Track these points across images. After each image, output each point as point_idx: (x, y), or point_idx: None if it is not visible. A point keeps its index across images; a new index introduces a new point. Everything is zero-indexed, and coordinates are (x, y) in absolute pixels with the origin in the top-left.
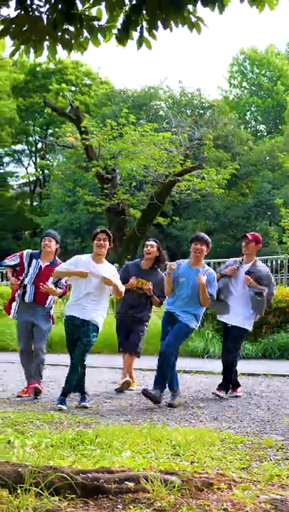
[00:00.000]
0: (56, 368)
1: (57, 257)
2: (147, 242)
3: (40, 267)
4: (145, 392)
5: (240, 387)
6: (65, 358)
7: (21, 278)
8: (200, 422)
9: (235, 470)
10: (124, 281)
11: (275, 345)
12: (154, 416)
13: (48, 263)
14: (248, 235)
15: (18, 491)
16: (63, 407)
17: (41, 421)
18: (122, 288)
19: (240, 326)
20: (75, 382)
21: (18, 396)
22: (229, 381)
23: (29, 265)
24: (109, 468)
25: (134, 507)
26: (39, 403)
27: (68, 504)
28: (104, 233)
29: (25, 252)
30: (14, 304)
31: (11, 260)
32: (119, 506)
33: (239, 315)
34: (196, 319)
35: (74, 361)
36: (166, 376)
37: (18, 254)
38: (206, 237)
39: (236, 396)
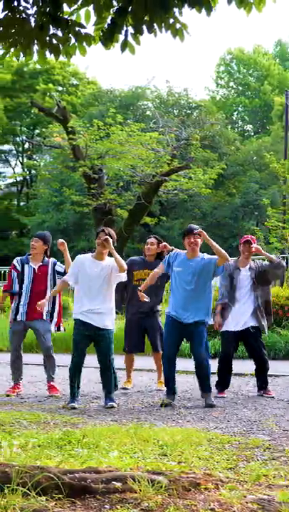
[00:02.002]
0: (43, 368)
1: (46, 257)
2: (148, 240)
3: (34, 269)
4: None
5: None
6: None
7: (17, 288)
8: (187, 422)
9: (222, 470)
10: (128, 273)
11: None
12: (141, 416)
13: (40, 263)
14: (250, 238)
15: (5, 491)
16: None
17: (28, 421)
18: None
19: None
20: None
21: (7, 395)
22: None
23: (23, 272)
24: (96, 468)
25: (121, 507)
26: (26, 403)
27: (55, 504)
28: (104, 232)
29: (14, 261)
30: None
31: (14, 284)
32: (106, 506)
33: (246, 316)
34: (208, 313)
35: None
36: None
37: (12, 269)
38: (197, 227)
39: (222, 397)
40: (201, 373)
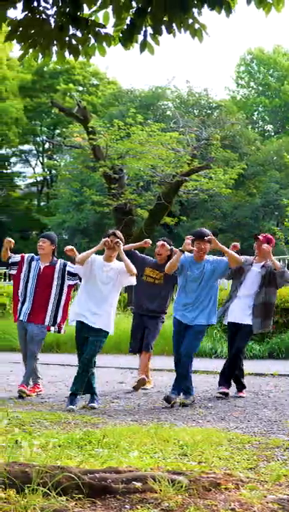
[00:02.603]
0: (64, 367)
1: (55, 258)
2: (158, 243)
3: (40, 268)
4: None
5: (246, 388)
6: (73, 358)
7: (21, 281)
8: (207, 422)
9: (242, 470)
10: (140, 267)
11: (282, 345)
12: (161, 416)
13: (48, 263)
14: (259, 236)
15: (26, 491)
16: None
17: (48, 421)
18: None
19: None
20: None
21: (28, 395)
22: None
23: (29, 268)
24: (116, 468)
25: (141, 507)
26: (47, 403)
27: (76, 504)
28: (114, 235)
29: (26, 255)
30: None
31: (14, 257)
32: (126, 506)
33: (244, 314)
34: (212, 315)
35: (84, 362)
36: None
37: (20, 255)
38: (208, 233)
39: (241, 397)
40: (182, 371)
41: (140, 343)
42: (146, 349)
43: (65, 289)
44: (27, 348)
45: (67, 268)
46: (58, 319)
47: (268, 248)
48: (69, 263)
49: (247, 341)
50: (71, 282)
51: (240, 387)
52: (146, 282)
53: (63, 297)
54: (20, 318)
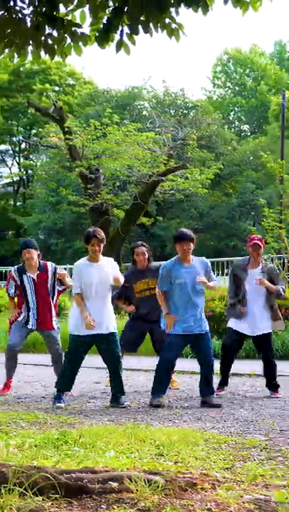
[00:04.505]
0: (39, 367)
1: (41, 263)
2: (137, 250)
3: (33, 279)
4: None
5: (227, 386)
6: (48, 358)
7: (23, 298)
8: (184, 422)
9: (219, 470)
10: (128, 289)
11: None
12: (137, 416)
13: (38, 272)
14: (257, 242)
15: (2, 491)
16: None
17: (25, 421)
18: (121, 278)
19: (268, 332)
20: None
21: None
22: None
23: (22, 282)
24: (92, 468)
25: (118, 507)
26: (23, 403)
27: (52, 504)
28: (96, 238)
29: (12, 272)
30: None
31: (10, 288)
32: (103, 506)
33: (264, 320)
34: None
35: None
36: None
37: (10, 278)
38: (190, 233)
39: (218, 395)
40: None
41: (134, 343)
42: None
43: (56, 292)
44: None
45: (57, 273)
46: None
47: (262, 281)
48: (58, 268)
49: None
50: (60, 289)
51: (223, 384)
52: (142, 298)
53: (54, 298)
54: (30, 327)
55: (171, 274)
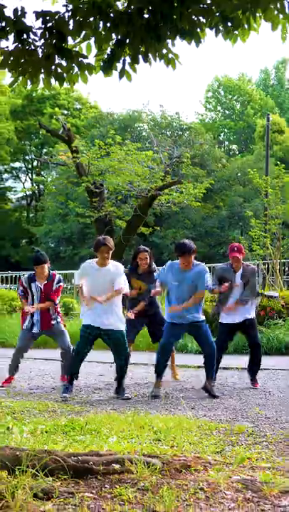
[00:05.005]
0: (49, 362)
1: (51, 272)
2: (140, 255)
3: (41, 288)
4: (206, 389)
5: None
6: (57, 354)
7: (29, 302)
8: (179, 411)
9: (210, 453)
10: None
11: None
12: (137, 405)
13: (46, 281)
14: (236, 248)
15: (16, 473)
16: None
17: (37, 410)
18: (124, 290)
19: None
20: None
21: (1, 386)
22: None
23: (30, 288)
24: (97, 451)
25: (119, 486)
26: (35, 394)
27: (61, 484)
28: (106, 246)
29: (22, 278)
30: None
31: (20, 290)
32: (106, 486)
33: (243, 311)
34: (201, 311)
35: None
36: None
37: (20, 284)
38: (191, 245)
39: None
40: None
41: (130, 333)
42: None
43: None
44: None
45: (60, 283)
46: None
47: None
48: (61, 281)
49: (257, 331)
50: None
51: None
52: (138, 294)
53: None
54: (34, 330)
55: (171, 273)
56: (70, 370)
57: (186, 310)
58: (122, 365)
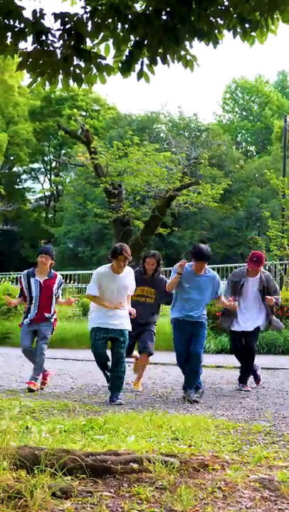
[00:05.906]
0: (68, 361)
1: (52, 270)
2: (148, 260)
3: (40, 283)
4: (188, 399)
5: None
6: (75, 354)
7: (27, 298)
8: (196, 410)
9: (227, 453)
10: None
11: (262, 341)
12: (155, 405)
13: (46, 277)
14: (255, 258)
15: (35, 472)
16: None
17: (56, 409)
18: (131, 293)
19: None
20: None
21: (42, 384)
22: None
23: (29, 284)
24: (116, 451)
25: (138, 485)
26: (54, 393)
27: (79, 483)
28: (123, 256)
29: (21, 275)
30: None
31: (20, 292)
32: (124, 485)
33: (255, 319)
34: (205, 315)
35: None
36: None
37: (19, 282)
38: (207, 251)
39: (247, 390)
40: (195, 365)
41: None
42: (147, 351)
43: (56, 300)
44: (35, 347)
45: (62, 286)
46: (52, 321)
47: (271, 300)
48: (62, 283)
49: (256, 342)
50: (61, 300)
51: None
52: (137, 302)
53: (54, 305)
54: (26, 323)
55: (184, 275)
56: (106, 378)
57: (190, 307)
58: (116, 376)
